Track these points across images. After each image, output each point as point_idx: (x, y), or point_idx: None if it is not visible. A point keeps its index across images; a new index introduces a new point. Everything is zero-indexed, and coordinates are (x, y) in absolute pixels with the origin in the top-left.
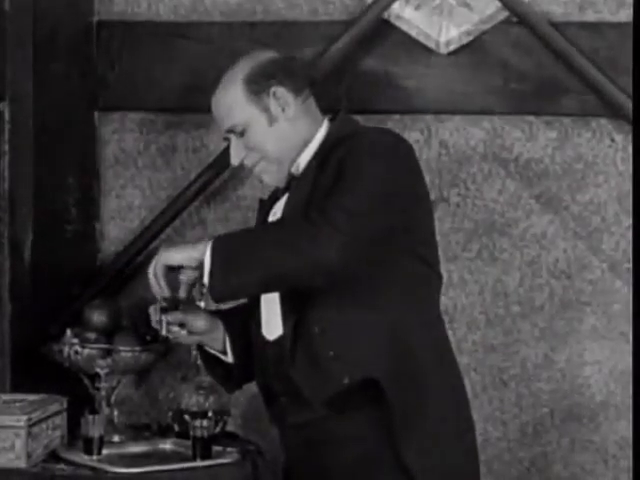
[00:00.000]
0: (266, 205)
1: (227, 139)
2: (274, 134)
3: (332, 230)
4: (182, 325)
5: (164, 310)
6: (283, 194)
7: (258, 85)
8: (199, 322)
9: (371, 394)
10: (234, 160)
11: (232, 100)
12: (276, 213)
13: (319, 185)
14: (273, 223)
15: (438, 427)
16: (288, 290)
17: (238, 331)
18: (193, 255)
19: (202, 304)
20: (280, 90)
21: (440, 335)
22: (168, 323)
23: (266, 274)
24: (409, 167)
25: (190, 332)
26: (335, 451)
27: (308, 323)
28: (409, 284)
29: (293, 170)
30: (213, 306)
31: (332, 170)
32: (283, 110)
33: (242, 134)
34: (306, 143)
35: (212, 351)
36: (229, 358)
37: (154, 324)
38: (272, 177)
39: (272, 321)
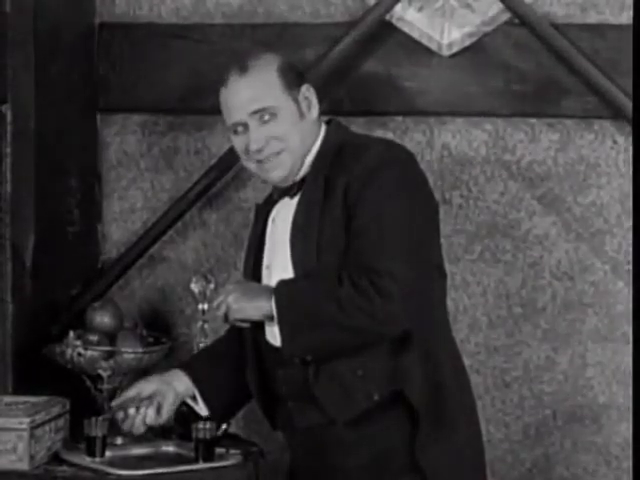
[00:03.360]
0: (263, 210)
1: (238, 128)
2: (300, 128)
3: (385, 302)
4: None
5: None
6: (281, 197)
7: (290, 78)
8: (143, 386)
9: (388, 400)
10: (257, 144)
11: (268, 83)
12: (275, 218)
13: (330, 210)
14: (328, 287)
15: (454, 428)
16: None
17: (209, 383)
18: (262, 311)
19: (203, 342)
20: (311, 89)
21: (451, 337)
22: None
23: (329, 342)
24: (421, 186)
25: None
26: (344, 455)
27: None
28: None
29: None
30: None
31: (341, 195)
32: (309, 109)
33: (267, 120)
34: (310, 147)
35: (191, 404)
36: (202, 410)
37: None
38: (283, 172)
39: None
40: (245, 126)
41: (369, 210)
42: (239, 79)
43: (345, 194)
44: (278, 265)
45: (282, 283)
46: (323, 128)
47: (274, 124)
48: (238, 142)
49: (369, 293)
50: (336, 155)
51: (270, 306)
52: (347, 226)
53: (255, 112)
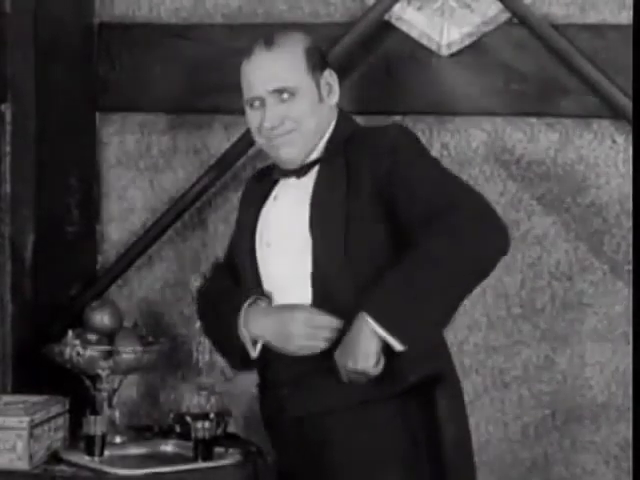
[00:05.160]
0: (258, 187)
1: (255, 103)
2: (317, 113)
3: (491, 215)
4: None
5: None
6: (285, 176)
7: (315, 61)
8: None
9: (380, 395)
10: (271, 122)
11: (293, 62)
12: (278, 196)
13: (355, 189)
14: (421, 254)
15: (455, 410)
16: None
17: None
18: (373, 350)
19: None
20: (334, 75)
21: None
22: None
23: (454, 294)
24: None
25: None
26: (331, 448)
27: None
28: None
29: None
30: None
31: (367, 174)
32: (329, 94)
33: (285, 99)
34: (325, 132)
35: (246, 340)
36: (254, 352)
37: None
38: (292, 152)
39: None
40: (262, 102)
41: (410, 169)
42: (264, 54)
43: (373, 173)
44: (280, 244)
45: (368, 303)
46: (336, 115)
47: (291, 104)
48: (253, 117)
49: (474, 217)
50: (348, 140)
51: (375, 336)
52: (382, 200)
53: (275, 90)
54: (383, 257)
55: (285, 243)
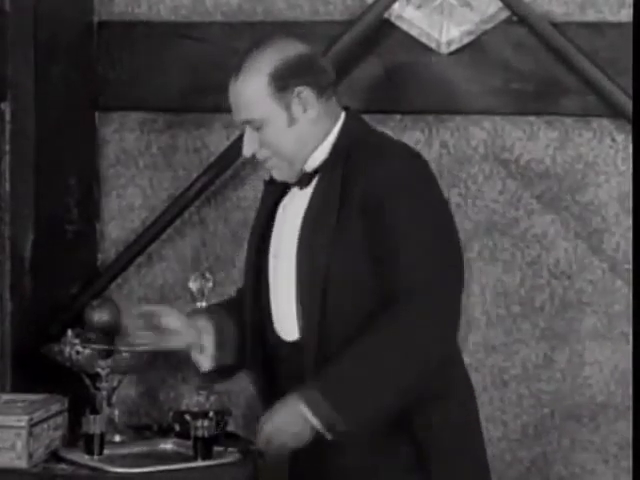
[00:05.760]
0: (272, 194)
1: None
2: (292, 134)
3: (433, 326)
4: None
5: None
6: (292, 186)
7: (284, 82)
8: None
9: None
10: (246, 151)
11: (254, 93)
12: (286, 206)
13: (345, 214)
14: (366, 346)
15: (456, 417)
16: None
17: (227, 335)
18: (304, 436)
19: None
20: (306, 91)
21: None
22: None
23: (395, 393)
24: (439, 193)
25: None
26: (338, 454)
27: (344, 339)
28: None
29: (306, 167)
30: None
31: (358, 202)
32: (305, 111)
33: (257, 128)
34: (322, 140)
35: (194, 354)
36: (205, 363)
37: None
38: (282, 173)
39: (287, 321)
40: (244, 126)
41: (398, 225)
42: (234, 83)
43: (364, 198)
44: (285, 256)
45: (307, 391)
46: (342, 117)
47: (263, 132)
48: None
49: (417, 321)
50: (352, 151)
51: (306, 422)
52: (367, 233)
53: (243, 122)
54: (368, 278)
55: (288, 256)
